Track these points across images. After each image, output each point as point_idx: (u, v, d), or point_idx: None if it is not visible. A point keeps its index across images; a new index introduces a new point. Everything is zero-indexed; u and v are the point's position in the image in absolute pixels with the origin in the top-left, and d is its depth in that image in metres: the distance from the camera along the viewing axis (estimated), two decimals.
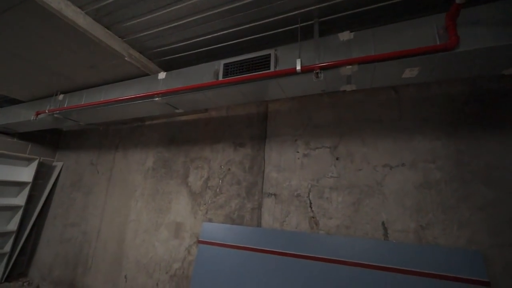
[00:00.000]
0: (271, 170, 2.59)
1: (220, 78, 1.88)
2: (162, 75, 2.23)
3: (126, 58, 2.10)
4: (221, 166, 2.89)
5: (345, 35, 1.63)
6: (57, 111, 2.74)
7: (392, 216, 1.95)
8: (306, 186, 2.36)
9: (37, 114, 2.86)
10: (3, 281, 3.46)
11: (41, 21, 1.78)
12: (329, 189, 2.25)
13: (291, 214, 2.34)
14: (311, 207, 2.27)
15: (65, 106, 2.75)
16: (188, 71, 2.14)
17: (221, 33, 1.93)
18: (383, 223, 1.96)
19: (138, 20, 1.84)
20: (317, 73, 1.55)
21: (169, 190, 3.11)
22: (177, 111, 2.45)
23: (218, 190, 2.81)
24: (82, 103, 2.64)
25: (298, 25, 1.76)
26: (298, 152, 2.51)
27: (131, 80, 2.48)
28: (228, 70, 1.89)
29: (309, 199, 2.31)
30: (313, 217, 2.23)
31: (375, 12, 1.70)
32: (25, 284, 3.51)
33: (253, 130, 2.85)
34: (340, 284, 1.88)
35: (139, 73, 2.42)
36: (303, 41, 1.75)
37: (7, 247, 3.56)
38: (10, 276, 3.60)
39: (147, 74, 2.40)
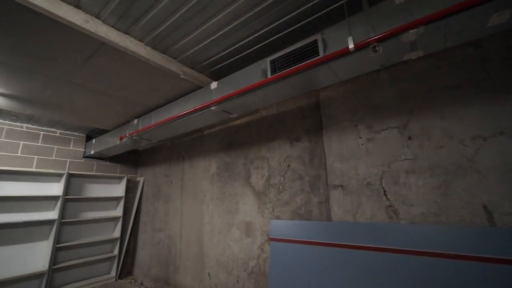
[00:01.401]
0: (333, 161, 2.46)
1: (269, 76, 1.88)
2: (214, 84, 2.36)
3: (181, 76, 2.31)
4: (280, 163, 2.90)
5: None
6: (135, 134, 3.20)
7: (496, 197, 1.61)
8: (376, 173, 2.16)
9: (121, 138, 3.40)
10: (117, 279, 4.23)
11: (114, 59, 2.11)
12: (404, 173, 2.01)
13: (364, 205, 2.18)
14: (386, 195, 2.07)
15: (139, 128, 3.19)
16: (237, 76, 2.21)
17: (263, 31, 1.93)
18: (484, 206, 1.63)
19: (186, 39, 2.00)
20: (374, 46, 1.40)
21: (234, 192, 3.29)
22: (231, 116, 2.56)
23: (281, 187, 2.83)
24: (152, 123, 3.01)
25: (343, 1, 1.63)
26: (360, 137, 2.32)
27: (188, 95, 2.72)
28: (276, 66, 1.88)
29: (382, 186, 2.10)
30: (390, 206, 2.02)
31: None
32: (132, 281, 4.20)
33: (307, 122, 2.77)
34: (433, 279, 1.64)
35: (194, 87, 2.62)
36: (352, 17, 1.61)
37: (116, 251, 4.34)
38: (121, 275, 4.37)
39: (201, 87, 2.59)
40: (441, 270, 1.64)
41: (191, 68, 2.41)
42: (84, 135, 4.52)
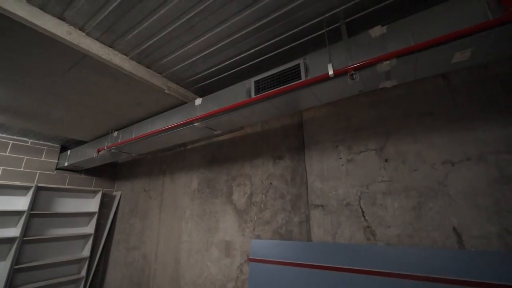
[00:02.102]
0: (314, 180, 2.50)
1: (253, 96, 1.92)
2: (198, 101, 2.37)
3: (166, 91, 2.30)
4: (262, 181, 2.89)
5: (376, 31, 1.55)
6: (114, 147, 3.09)
7: (465, 220, 1.69)
8: (355, 193, 2.20)
9: (98, 151, 3.26)
10: None
11: (96, 71, 2.07)
12: (381, 194, 2.07)
13: (343, 225, 2.20)
14: (364, 216, 2.10)
15: (119, 141, 3.09)
16: (221, 94, 2.24)
17: (249, 52, 1.99)
18: (454, 229, 1.70)
19: (173, 56, 2.02)
20: (352, 74, 1.49)
21: (215, 209, 3.20)
22: (215, 133, 2.56)
23: (262, 205, 2.80)
24: (133, 136, 2.93)
25: (324, 30, 1.73)
26: (341, 158, 2.39)
27: (172, 110, 2.69)
28: (260, 86, 1.93)
29: (361, 207, 2.14)
30: (368, 227, 2.06)
31: (405, 1, 1.59)
32: None
33: (290, 141, 2.82)
34: None
35: (178, 102, 2.61)
36: (332, 45, 1.71)
37: (83, 272, 4.00)
38: None
39: (185, 102, 2.58)
40: None
41: (176, 83, 2.41)
42: (59, 146, 4.30)
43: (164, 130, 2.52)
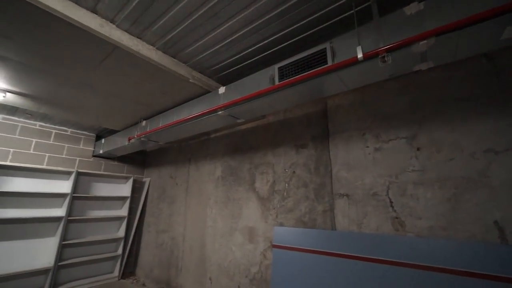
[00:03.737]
0: (339, 170, 2.44)
1: (276, 83, 1.89)
2: (222, 89, 2.39)
3: (190, 80, 2.34)
4: (285, 170, 2.89)
5: (412, 8, 1.42)
6: (143, 135, 3.25)
7: (509, 213, 1.56)
8: (383, 183, 2.12)
9: (129, 139, 3.45)
10: (119, 278, 4.25)
11: (125, 62, 2.16)
12: (412, 184, 1.97)
13: (369, 215, 2.14)
14: (392, 207, 2.03)
15: (148, 130, 3.24)
16: (245, 82, 2.23)
17: (272, 38, 1.95)
18: (496, 223, 1.58)
19: (197, 45, 2.04)
20: (383, 57, 1.39)
21: (238, 196, 3.28)
22: (238, 121, 2.58)
23: (285, 193, 2.81)
24: (160, 125, 3.06)
25: (353, 11, 1.63)
26: (367, 147, 2.30)
27: (196, 99, 2.75)
28: (283, 73, 1.89)
29: (389, 197, 2.06)
30: (396, 218, 1.98)
31: None
32: (134, 281, 4.22)
33: (314, 129, 2.76)
34: None
35: (202, 91, 2.65)
36: (361, 26, 1.61)
37: (119, 250, 4.37)
38: (124, 274, 4.39)
39: (209, 91, 2.62)
40: (447, 287, 1.58)
41: (200, 72, 2.44)
42: (94, 135, 4.62)
43: (189, 119, 2.59)
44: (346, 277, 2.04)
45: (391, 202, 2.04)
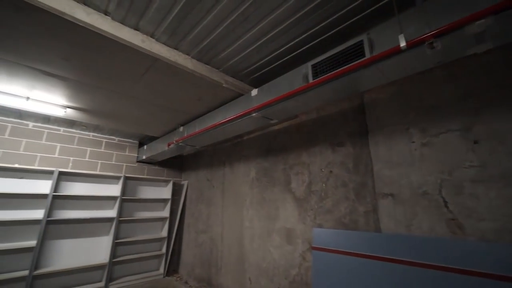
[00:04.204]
0: (381, 168, 2.29)
1: (310, 81, 1.85)
2: (254, 91, 2.41)
3: (223, 85, 2.41)
4: (321, 169, 2.80)
5: None
6: (181, 141, 3.43)
7: None
8: (433, 181, 1.93)
9: (168, 145, 3.68)
10: (164, 275, 4.54)
11: (164, 73, 2.31)
12: (470, 182, 1.76)
13: (419, 216, 1.96)
14: (447, 207, 1.83)
15: (185, 135, 3.41)
16: (277, 82, 2.22)
17: (303, 36, 1.91)
18: None
19: (229, 50, 2.09)
20: (431, 43, 1.27)
21: (274, 197, 3.27)
22: (272, 122, 2.58)
23: (322, 194, 2.73)
24: (196, 130, 3.20)
25: None
26: (413, 142, 2.12)
27: (229, 103, 2.82)
28: (317, 70, 1.84)
29: (442, 196, 1.87)
30: (453, 219, 1.79)
31: None
32: (178, 279, 4.46)
33: (350, 126, 2.63)
34: None
35: (235, 95, 2.71)
36: (402, 13, 1.49)
37: (163, 249, 4.66)
38: (168, 272, 4.67)
39: (241, 94, 2.66)
40: None
41: (233, 76, 2.50)
42: (137, 142, 5.02)
43: (223, 122, 2.66)
44: (392, 282, 1.90)
45: (445, 201, 1.85)
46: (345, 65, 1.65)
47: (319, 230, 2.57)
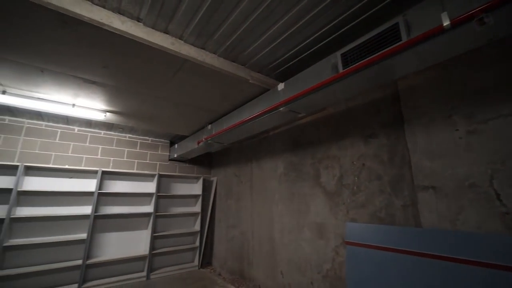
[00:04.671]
0: (420, 159, 2.14)
1: (340, 71, 1.78)
2: (281, 86, 2.39)
3: (250, 81, 2.42)
4: (353, 162, 2.70)
5: None
6: (209, 138, 3.53)
7: None
8: (483, 172, 1.76)
9: (198, 142, 3.81)
10: (199, 267, 4.76)
11: (192, 73, 2.38)
12: None
13: (466, 211, 1.81)
14: (500, 200, 1.67)
15: (213, 133, 3.51)
16: (304, 75, 2.18)
17: (331, 24, 1.83)
18: None
19: (254, 45, 2.09)
20: (481, 18, 1.14)
21: (303, 192, 3.24)
22: (299, 115, 2.54)
23: (355, 188, 2.63)
24: (224, 127, 3.27)
25: None
26: (457, 130, 1.95)
27: (256, 99, 2.83)
28: (347, 59, 1.76)
29: (494, 188, 1.70)
30: (507, 213, 1.62)
31: None
32: (211, 271, 4.65)
33: (383, 116, 2.50)
34: None
35: (261, 91, 2.71)
36: None
37: (197, 243, 4.88)
38: (202, 264, 4.89)
39: (267, 89, 2.66)
40: None
41: (258, 72, 2.50)
42: (168, 141, 5.27)
43: (251, 119, 2.68)
44: (436, 280, 1.79)
45: (497, 194, 1.69)
46: (379, 52, 1.56)
47: (352, 225, 2.50)
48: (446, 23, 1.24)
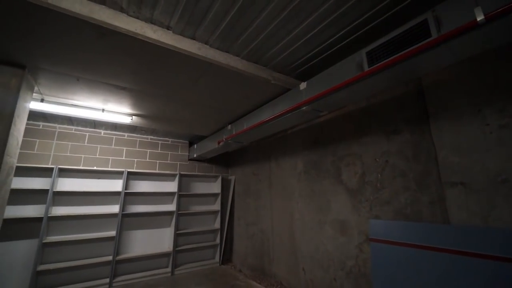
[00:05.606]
0: (447, 155, 2.12)
1: (366, 69, 1.79)
2: (303, 85, 2.42)
3: (272, 82, 2.47)
4: (375, 159, 2.70)
5: None
6: (230, 138, 3.62)
7: None
8: None
9: (218, 142, 3.91)
10: (220, 264, 4.88)
11: (217, 76, 2.46)
12: None
13: (500, 207, 1.78)
14: None
15: (234, 133, 3.59)
16: (327, 74, 2.20)
17: (355, 23, 1.84)
18: None
19: (278, 47, 2.13)
20: None
21: (324, 189, 3.26)
22: (321, 114, 2.56)
23: (378, 185, 2.63)
24: (244, 128, 3.34)
25: None
26: (488, 124, 1.91)
27: (277, 99, 2.87)
28: (373, 57, 1.77)
29: None
30: None
31: None
32: (232, 267, 4.76)
33: (407, 112, 2.47)
34: None
35: (281, 91, 2.75)
36: None
37: (217, 240, 5.01)
38: (223, 261, 5.02)
39: (288, 89, 2.69)
40: None
41: (279, 72, 2.54)
42: (187, 141, 5.42)
43: (273, 118, 2.73)
44: (465, 277, 1.77)
45: None
46: (406, 49, 1.56)
47: (377, 222, 2.50)
48: (480, 18, 1.23)
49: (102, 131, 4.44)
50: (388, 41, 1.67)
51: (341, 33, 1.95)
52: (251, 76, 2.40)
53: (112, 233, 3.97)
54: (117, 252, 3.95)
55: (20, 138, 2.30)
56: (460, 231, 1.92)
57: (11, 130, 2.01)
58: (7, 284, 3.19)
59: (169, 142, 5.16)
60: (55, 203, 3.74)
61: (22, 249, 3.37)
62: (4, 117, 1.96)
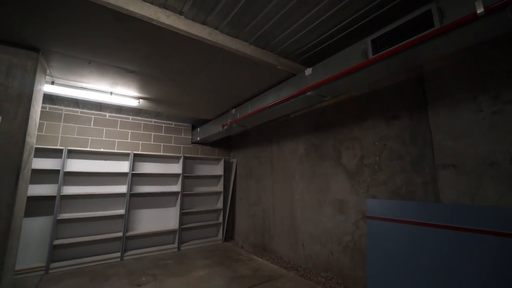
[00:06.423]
0: (442, 139, 2.27)
1: (370, 56, 1.88)
2: (308, 71, 2.50)
3: (278, 67, 2.55)
4: (374, 143, 2.85)
5: None
6: (234, 122, 3.73)
7: None
8: (505, 150, 1.88)
9: (223, 126, 4.02)
10: (223, 241, 5.17)
11: (225, 61, 2.53)
12: None
13: (485, 187, 1.96)
14: None
15: (238, 117, 3.69)
16: (332, 60, 2.28)
17: (362, 11, 1.90)
18: None
19: (284, 34, 2.19)
20: None
21: (324, 172, 3.44)
22: (325, 99, 2.66)
23: (376, 167, 2.80)
24: (249, 112, 3.44)
25: None
26: (481, 111, 2.04)
27: (282, 84, 2.96)
28: (377, 45, 1.85)
29: None
30: None
31: None
32: (234, 244, 5.05)
33: (407, 98, 2.59)
34: None
35: (287, 76, 2.83)
36: None
37: (220, 219, 5.27)
38: (225, 238, 5.30)
39: (294, 74, 2.77)
40: None
41: (285, 58, 2.60)
42: (190, 125, 5.52)
43: (278, 102, 2.83)
44: (453, 249, 1.97)
45: None
46: (410, 38, 1.65)
47: (373, 201, 2.69)
48: (480, 10, 1.32)
49: (107, 114, 4.51)
50: (392, 30, 1.75)
51: (346, 21, 2.01)
52: (258, 61, 2.47)
53: (121, 211, 4.18)
54: (126, 229, 4.18)
55: (37, 120, 2.39)
56: (450, 208, 2.11)
57: (31, 112, 2.11)
58: (27, 257, 3.41)
59: (173, 126, 5.25)
60: (66, 182, 3.90)
61: (39, 225, 3.57)
62: (24, 99, 2.05)
